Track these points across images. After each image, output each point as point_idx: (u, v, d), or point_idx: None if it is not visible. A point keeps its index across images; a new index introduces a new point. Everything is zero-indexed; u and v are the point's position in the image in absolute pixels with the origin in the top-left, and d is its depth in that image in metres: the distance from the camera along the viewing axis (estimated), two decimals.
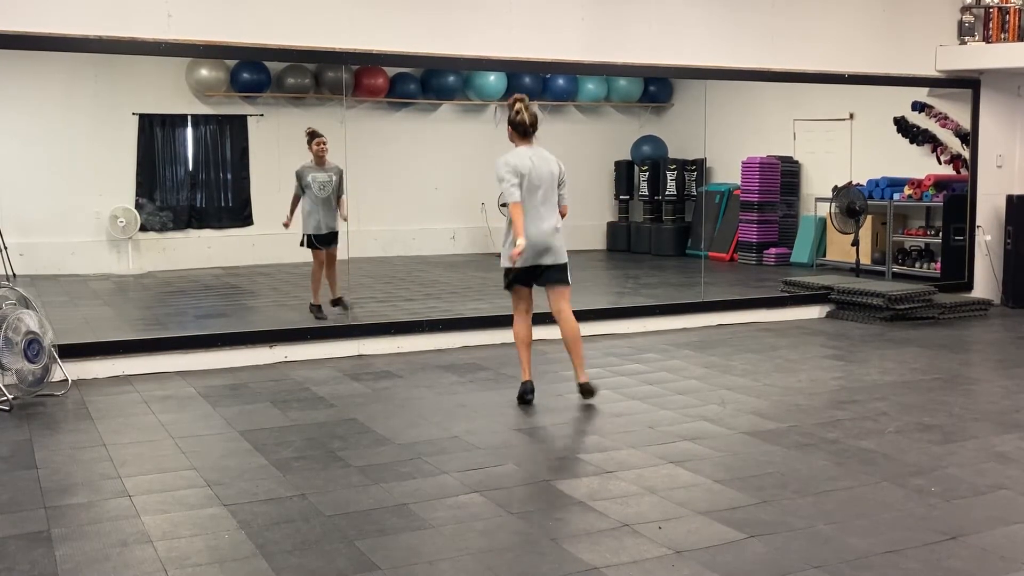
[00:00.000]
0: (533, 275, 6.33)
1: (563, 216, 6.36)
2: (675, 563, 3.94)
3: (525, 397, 6.37)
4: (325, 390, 6.84)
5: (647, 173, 15.44)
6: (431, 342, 8.28)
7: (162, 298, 11.21)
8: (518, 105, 6.17)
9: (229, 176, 13.58)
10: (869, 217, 11.67)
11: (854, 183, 11.95)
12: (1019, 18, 10.08)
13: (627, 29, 8.87)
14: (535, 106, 6.30)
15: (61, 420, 6.11)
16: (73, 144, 12.38)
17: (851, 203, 11.13)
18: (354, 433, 5.76)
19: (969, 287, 10.73)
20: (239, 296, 11.30)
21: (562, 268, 6.32)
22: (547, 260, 6.27)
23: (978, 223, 10.67)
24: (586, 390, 6.37)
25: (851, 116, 12.84)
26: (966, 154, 10.99)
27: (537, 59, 8.64)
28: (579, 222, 14.97)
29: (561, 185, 6.30)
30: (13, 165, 11.97)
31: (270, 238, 12.97)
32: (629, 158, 15.83)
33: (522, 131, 6.20)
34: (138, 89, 12.59)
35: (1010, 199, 10.51)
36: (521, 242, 6.00)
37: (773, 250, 13.71)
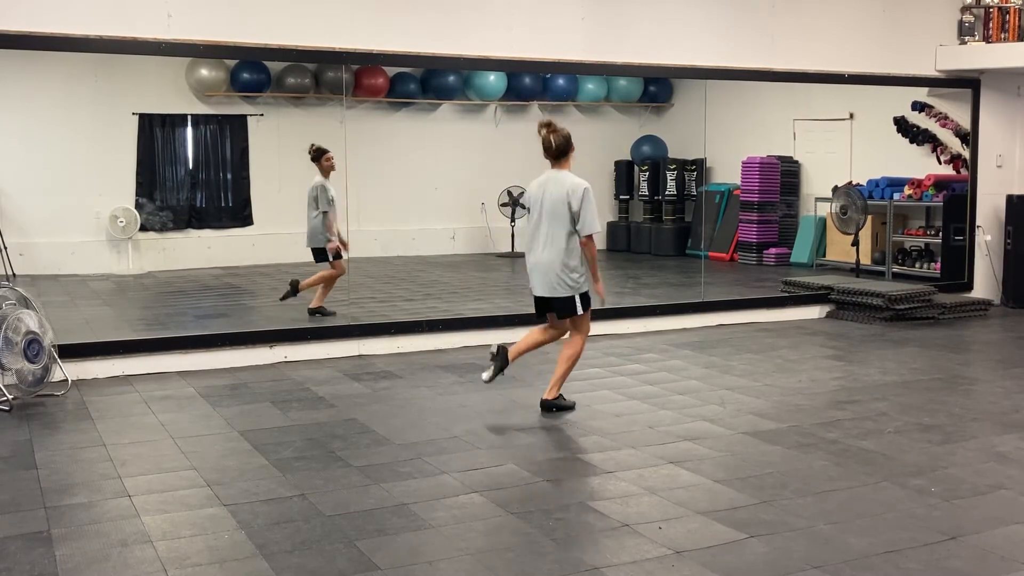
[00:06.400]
0: (545, 305, 6.21)
1: (586, 248, 5.99)
2: (675, 563, 3.94)
3: (491, 352, 6.24)
4: (325, 390, 6.84)
5: (647, 173, 15.45)
6: (431, 342, 8.28)
7: (162, 298, 11.21)
8: (542, 131, 6.11)
9: (229, 176, 13.58)
10: (869, 217, 11.67)
11: (854, 183, 11.97)
12: (1019, 18, 10.08)
13: (627, 29, 8.87)
14: (563, 128, 6.10)
15: (61, 420, 6.11)
16: (73, 144, 12.38)
17: (852, 203, 11.14)
18: (354, 433, 5.76)
19: (969, 287, 10.73)
20: (239, 296, 11.29)
21: (562, 302, 6.08)
22: (543, 292, 6.13)
23: (978, 223, 10.67)
24: (544, 406, 6.23)
25: (851, 116, 12.84)
26: (966, 154, 10.99)
27: (537, 59, 8.64)
28: None
29: (576, 215, 5.93)
30: (13, 165, 11.98)
31: (270, 238, 12.99)
32: (629, 158, 15.84)
33: (551, 155, 6.12)
34: (138, 89, 12.60)
35: (1010, 199, 10.51)
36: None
37: (773, 250, 13.71)
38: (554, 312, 6.20)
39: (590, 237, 6.02)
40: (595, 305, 6.24)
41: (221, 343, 7.67)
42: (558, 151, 6.09)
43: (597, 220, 6.05)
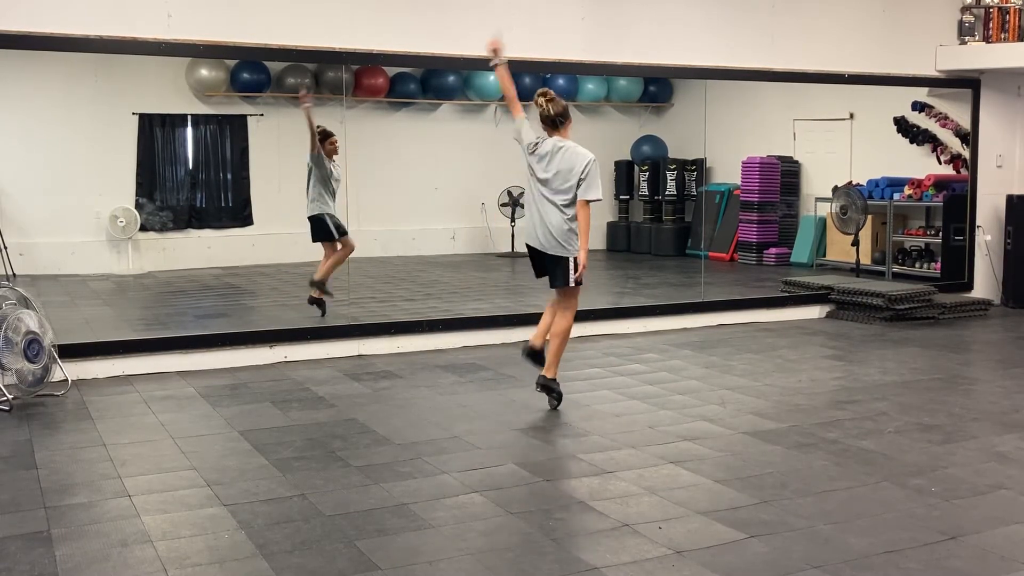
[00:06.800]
0: (541, 263, 6.26)
1: (582, 212, 6.02)
2: (675, 563, 3.94)
3: (524, 350, 6.38)
4: (325, 390, 6.84)
5: (647, 173, 15.44)
6: (431, 342, 8.28)
7: (162, 298, 11.20)
8: (539, 100, 6.13)
9: (229, 176, 13.57)
10: (869, 217, 11.68)
11: (854, 183, 11.96)
12: (1019, 18, 10.08)
13: (627, 29, 8.87)
14: (560, 98, 6.17)
15: (61, 420, 6.11)
16: (73, 144, 12.38)
17: (852, 203, 11.14)
18: (354, 433, 5.76)
19: (969, 287, 10.73)
20: (239, 296, 11.29)
21: (556, 262, 6.13)
22: (550, 249, 6.16)
23: (978, 223, 10.67)
24: (543, 385, 6.25)
25: (851, 116, 12.84)
26: (966, 154, 10.99)
27: (537, 59, 8.63)
28: None
29: (580, 183, 6.00)
30: (13, 165, 11.97)
31: (270, 238, 12.98)
32: (629, 158, 15.83)
33: (549, 124, 6.16)
34: (138, 89, 12.59)
35: (1010, 199, 10.51)
36: (493, 43, 6.30)
37: (773, 250, 13.70)
38: (549, 276, 6.22)
39: (588, 203, 6.03)
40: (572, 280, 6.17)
41: (221, 343, 7.67)
42: (557, 120, 6.14)
43: (601, 190, 6.08)
